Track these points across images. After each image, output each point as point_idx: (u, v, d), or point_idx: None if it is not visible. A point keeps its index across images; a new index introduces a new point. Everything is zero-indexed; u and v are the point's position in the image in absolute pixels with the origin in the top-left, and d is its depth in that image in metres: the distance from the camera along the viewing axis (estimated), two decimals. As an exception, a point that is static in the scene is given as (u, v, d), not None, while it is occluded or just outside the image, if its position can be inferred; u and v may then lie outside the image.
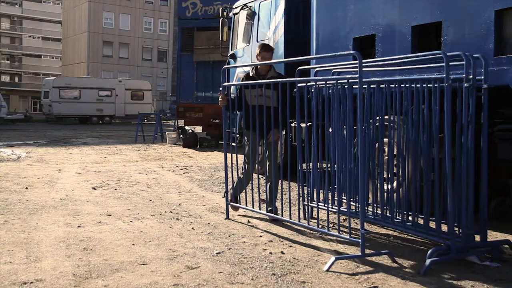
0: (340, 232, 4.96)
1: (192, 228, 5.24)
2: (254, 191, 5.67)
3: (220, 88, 6.42)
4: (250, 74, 5.85)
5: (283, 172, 6.02)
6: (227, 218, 5.73)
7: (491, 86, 4.36)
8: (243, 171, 5.88)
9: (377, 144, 5.18)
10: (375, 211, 5.16)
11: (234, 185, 5.94)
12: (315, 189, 5.48)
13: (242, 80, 5.87)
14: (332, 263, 4.02)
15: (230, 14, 10.85)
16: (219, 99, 5.93)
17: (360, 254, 4.18)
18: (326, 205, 5.36)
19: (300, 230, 5.22)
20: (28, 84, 62.28)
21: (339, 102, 4.95)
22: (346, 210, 5.08)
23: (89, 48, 52.25)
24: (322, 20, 7.12)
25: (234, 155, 5.89)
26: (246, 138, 5.85)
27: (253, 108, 5.59)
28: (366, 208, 5.11)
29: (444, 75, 4.11)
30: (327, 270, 3.94)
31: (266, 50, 5.83)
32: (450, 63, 4.14)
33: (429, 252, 4.08)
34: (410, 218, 4.70)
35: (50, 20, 65.04)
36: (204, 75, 16.22)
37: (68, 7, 56.86)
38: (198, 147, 15.75)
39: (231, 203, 5.91)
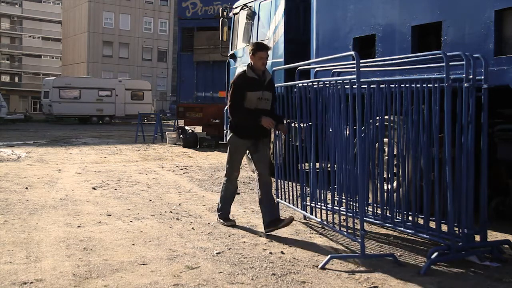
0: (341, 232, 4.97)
1: (192, 228, 5.24)
2: (254, 190, 5.67)
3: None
4: (249, 75, 5.19)
5: (284, 172, 6.00)
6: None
7: (491, 86, 4.35)
8: (225, 184, 5.41)
9: (377, 144, 5.18)
10: (375, 211, 5.16)
11: (221, 203, 5.48)
12: (310, 189, 5.48)
13: (239, 80, 5.20)
14: (327, 261, 4.04)
15: (230, 14, 10.85)
16: (267, 120, 5.13)
17: (359, 254, 4.19)
18: (325, 205, 5.35)
19: (300, 230, 5.22)
20: (28, 84, 62.25)
21: (339, 102, 4.96)
22: (345, 210, 5.09)
23: (89, 48, 52.25)
24: (322, 20, 7.12)
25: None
26: (234, 146, 5.29)
27: (252, 112, 5.16)
28: (366, 208, 5.11)
29: (444, 75, 4.11)
30: (322, 268, 3.96)
31: (262, 49, 5.24)
32: (450, 63, 4.14)
33: (429, 252, 4.08)
34: (410, 218, 4.70)
35: (50, 20, 65.01)
36: (204, 75, 16.21)
37: (68, 7, 56.86)
38: (198, 147, 15.75)
39: (227, 222, 5.39)
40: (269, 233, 5.02)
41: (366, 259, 4.18)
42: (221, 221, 5.43)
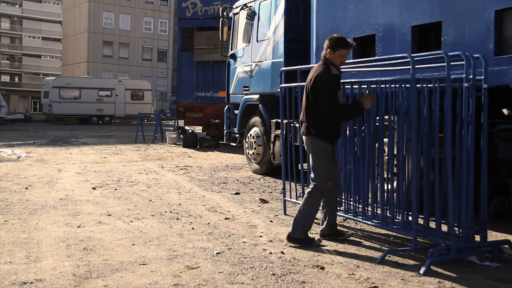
0: (341, 231, 4.97)
1: (192, 228, 5.24)
2: (254, 190, 5.66)
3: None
4: (334, 73, 4.68)
5: (290, 172, 6.00)
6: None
7: (491, 86, 4.35)
8: (314, 196, 4.73)
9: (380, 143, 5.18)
10: (375, 211, 5.15)
11: (304, 223, 4.70)
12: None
13: (330, 80, 4.62)
14: (384, 256, 4.21)
15: (230, 14, 10.84)
16: (368, 98, 4.66)
17: (412, 247, 4.38)
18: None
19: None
20: (28, 84, 62.26)
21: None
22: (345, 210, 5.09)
23: (89, 48, 52.23)
24: (322, 20, 7.12)
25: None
26: (324, 151, 4.70)
27: (351, 104, 4.99)
28: (366, 208, 5.11)
29: (445, 75, 4.10)
30: (379, 263, 4.10)
31: (345, 46, 4.71)
32: (450, 63, 4.14)
33: (429, 252, 4.08)
34: (410, 218, 4.70)
35: (50, 20, 65.03)
36: (204, 75, 16.23)
37: (68, 7, 56.84)
38: (198, 147, 15.74)
39: (314, 243, 4.66)
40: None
41: (366, 258, 4.19)
42: (305, 245, 4.57)
